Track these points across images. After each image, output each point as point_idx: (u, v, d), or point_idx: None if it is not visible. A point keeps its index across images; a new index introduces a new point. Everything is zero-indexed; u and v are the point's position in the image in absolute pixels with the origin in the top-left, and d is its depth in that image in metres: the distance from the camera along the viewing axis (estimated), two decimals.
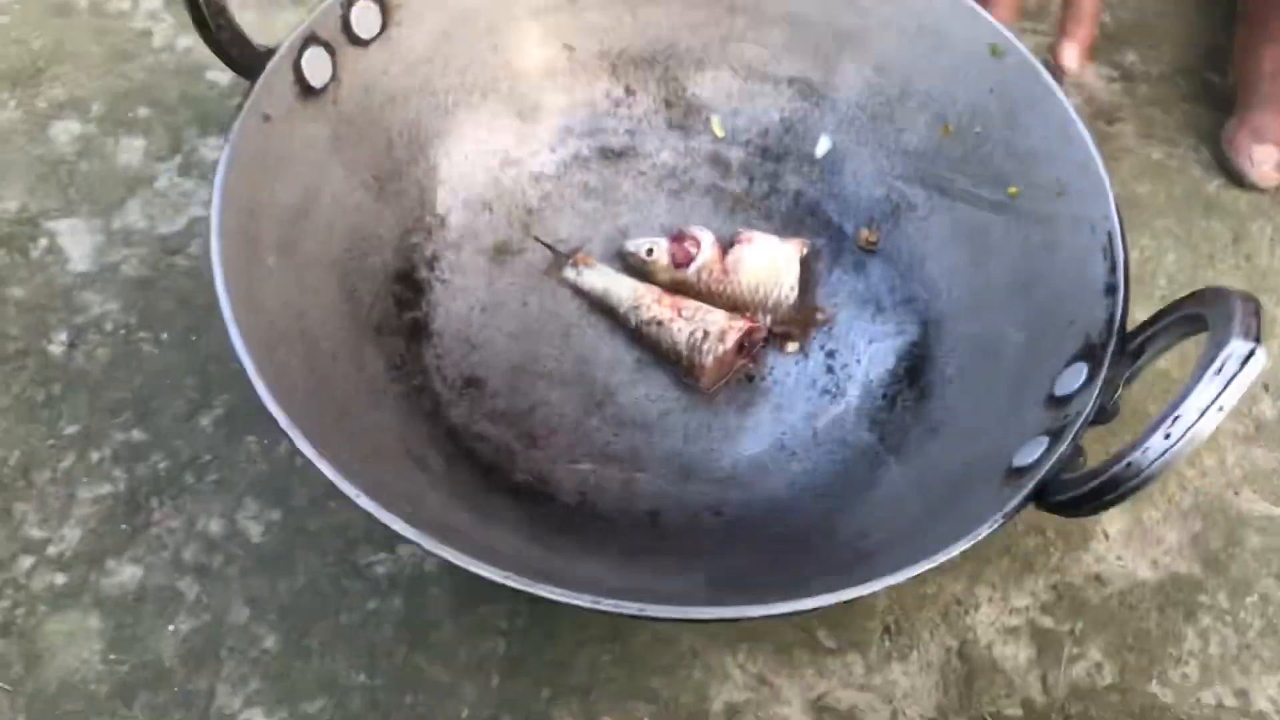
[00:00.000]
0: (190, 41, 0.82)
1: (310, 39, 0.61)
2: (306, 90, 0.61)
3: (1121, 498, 0.47)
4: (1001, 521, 0.49)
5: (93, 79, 0.81)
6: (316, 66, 0.61)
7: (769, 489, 0.63)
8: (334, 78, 0.63)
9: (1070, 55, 0.73)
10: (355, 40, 0.64)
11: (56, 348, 0.69)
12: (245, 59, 0.58)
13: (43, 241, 0.73)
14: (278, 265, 0.58)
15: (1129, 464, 0.46)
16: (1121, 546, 0.66)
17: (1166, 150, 0.83)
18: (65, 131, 0.78)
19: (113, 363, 0.68)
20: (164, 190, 0.76)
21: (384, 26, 0.65)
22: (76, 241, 0.73)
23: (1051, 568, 0.65)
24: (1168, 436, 0.45)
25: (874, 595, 0.63)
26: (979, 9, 0.66)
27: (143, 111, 0.80)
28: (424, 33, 0.67)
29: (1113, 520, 0.67)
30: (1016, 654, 0.63)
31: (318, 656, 0.60)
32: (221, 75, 0.81)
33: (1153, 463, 0.45)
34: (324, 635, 0.60)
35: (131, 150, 0.77)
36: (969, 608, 0.64)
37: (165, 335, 0.69)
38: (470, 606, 0.62)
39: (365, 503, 0.47)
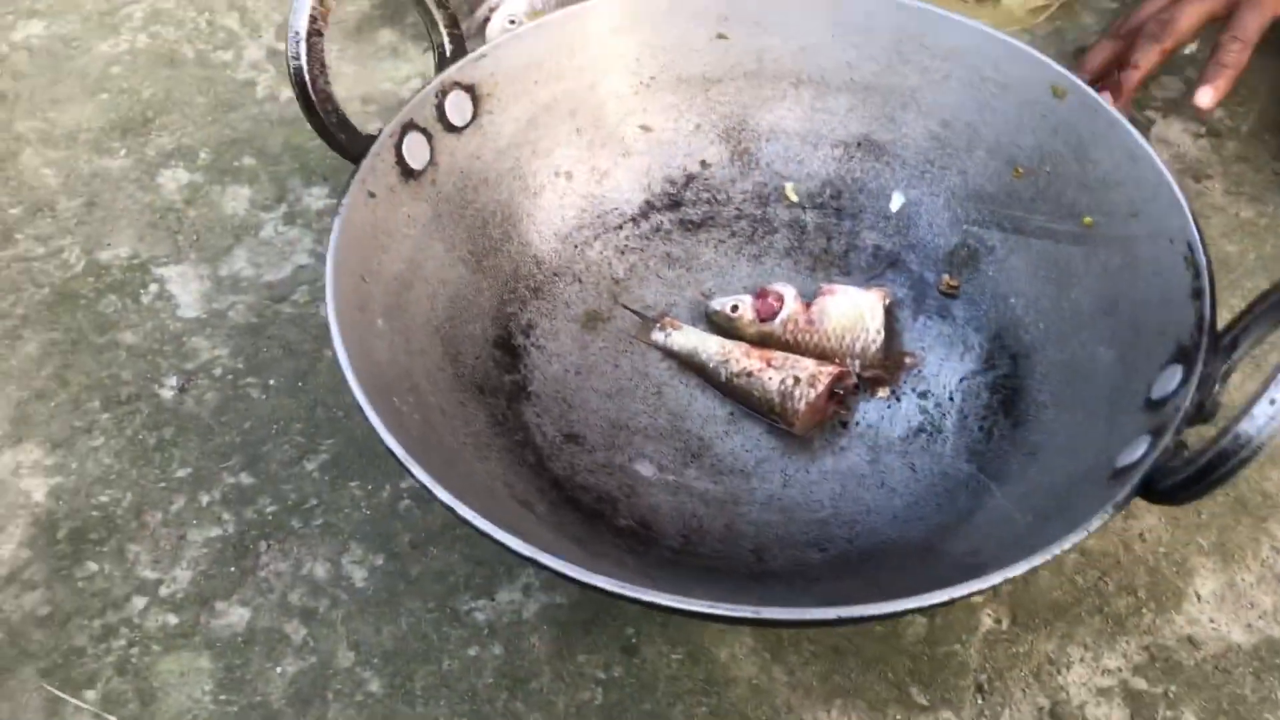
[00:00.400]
0: (290, 92, 0.86)
1: (409, 125, 0.66)
2: (407, 172, 0.66)
3: (1232, 473, 0.46)
4: (1112, 513, 0.49)
5: (199, 128, 0.86)
6: (416, 150, 0.66)
7: (871, 525, 0.63)
8: (432, 161, 0.67)
9: (1205, 95, 0.75)
10: (450, 127, 0.68)
11: (167, 392, 0.72)
12: (350, 144, 0.63)
13: (153, 287, 0.77)
14: (387, 327, 0.61)
15: (1236, 435, 0.46)
16: (1214, 609, 0.64)
17: (1256, 209, 0.83)
18: (174, 179, 0.83)
19: (222, 407, 0.71)
20: (269, 239, 0.80)
21: (475, 115, 0.70)
22: (185, 288, 0.77)
23: (1143, 629, 0.63)
24: (1273, 402, 0.45)
25: (966, 652, 0.62)
26: (1034, 52, 0.69)
27: (248, 160, 0.84)
28: (512, 120, 0.72)
29: (1205, 582, 0.65)
30: (1109, 715, 0.60)
31: (421, 702, 0.60)
32: None
33: (1261, 429, 0.45)
34: (426, 680, 0.61)
35: (238, 198, 0.82)
36: (1061, 667, 0.62)
37: (272, 381, 0.72)
38: (568, 656, 0.62)
39: (483, 523, 0.48)
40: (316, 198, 0.82)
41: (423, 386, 0.61)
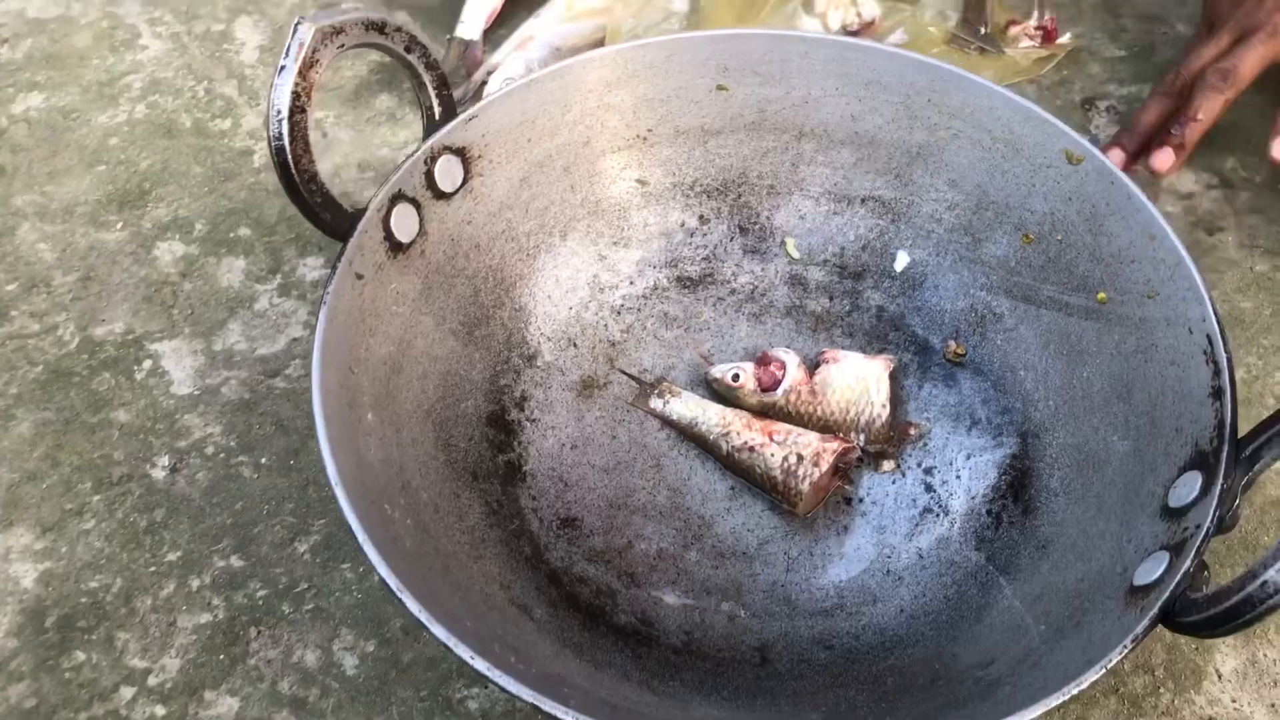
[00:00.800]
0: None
1: (397, 197, 0.63)
2: (396, 246, 0.63)
3: (1259, 618, 0.45)
4: (1130, 647, 0.48)
5: (195, 199, 0.84)
6: (404, 223, 0.63)
7: (878, 618, 0.61)
8: (421, 231, 0.64)
9: (1162, 158, 0.73)
10: (439, 194, 0.65)
11: (159, 472, 0.70)
12: (336, 222, 0.60)
13: (147, 364, 0.76)
14: (376, 421, 0.59)
15: (1264, 583, 0.44)
16: (1236, 688, 0.63)
17: (1271, 262, 0.80)
18: (169, 252, 0.81)
19: (213, 487, 0.70)
20: (263, 311, 0.78)
21: (466, 178, 0.67)
22: (179, 364, 0.76)
23: (1161, 710, 0.62)
24: None
25: None
26: (1047, 115, 0.66)
27: (243, 231, 0.82)
28: (504, 180, 0.69)
29: (1226, 659, 0.63)
30: None
31: None
32: None
33: None
34: None
35: (233, 270, 0.80)
36: None
37: (264, 459, 0.71)
38: None
39: (480, 665, 0.47)
40: (311, 268, 0.80)
41: (415, 482, 0.59)
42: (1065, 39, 0.91)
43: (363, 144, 0.87)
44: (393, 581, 0.48)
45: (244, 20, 0.96)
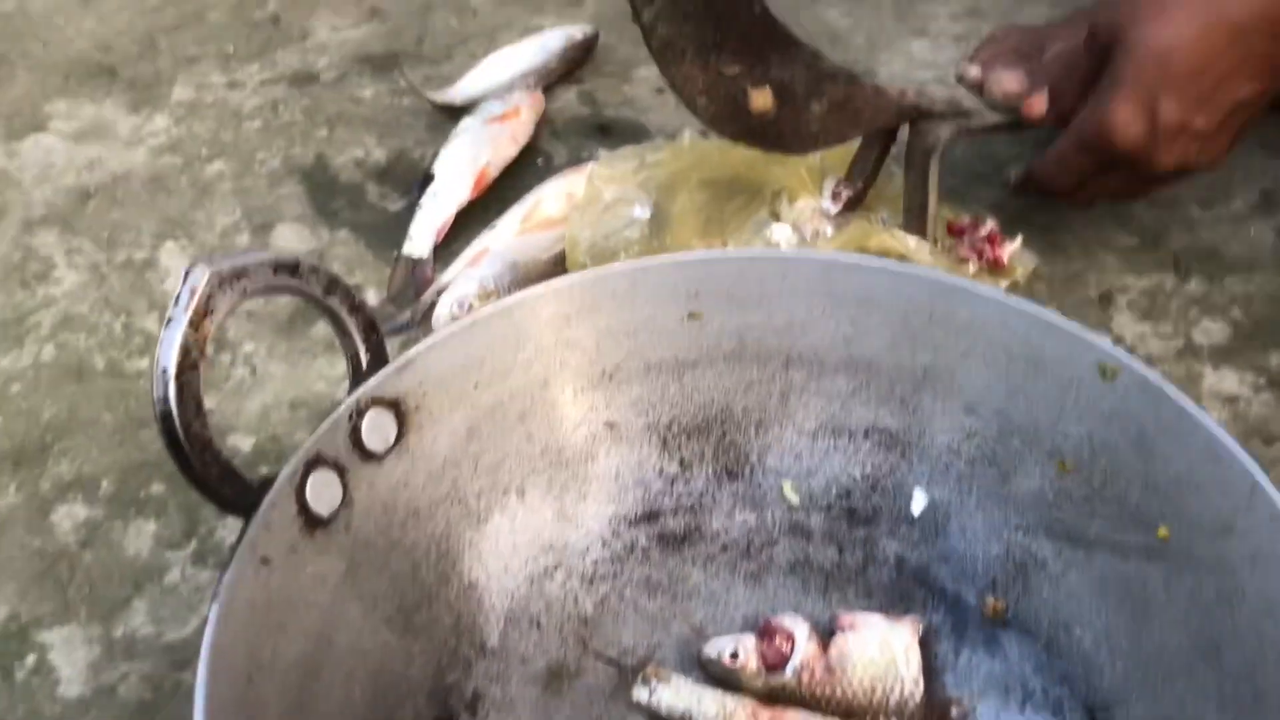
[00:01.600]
0: (210, 401, 0.74)
1: (314, 462, 0.53)
2: (313, 522, 0.53)
3: None
4: None
5: (104, 452, 0.75)
6: (324, 492, 0.53)
7: None
8: (345, 502, 0.55)
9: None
10: (368, 455, 0.56)
11: None
12: (238, 496, 0.50)
13: (30, 659, 0.64)
14: None
15: None
16: None
17: None
18: (69, 517, 0.71)
19: None
20: (174, 585, 0.67)
21: (400, 434, 0.57)
22: (70, 656, 0.64)
23: None
24: None
25: None
26: (1068, 323, 0.58)
27: (156, 488, 0.72)
28: (447, 434, 0.60)
29: None
30: None
31: None
32: (244, 439, 0.75)
33: None
34: None
35: (141, 535, 0.70)
36: None
37: None
38: None
39: None
40: (232, 529, 0.68)
41: None
42: (1015, 247, 0.78)
43: (296, 380, 0.78)
44: None
45: (170, 246, 0.88)
